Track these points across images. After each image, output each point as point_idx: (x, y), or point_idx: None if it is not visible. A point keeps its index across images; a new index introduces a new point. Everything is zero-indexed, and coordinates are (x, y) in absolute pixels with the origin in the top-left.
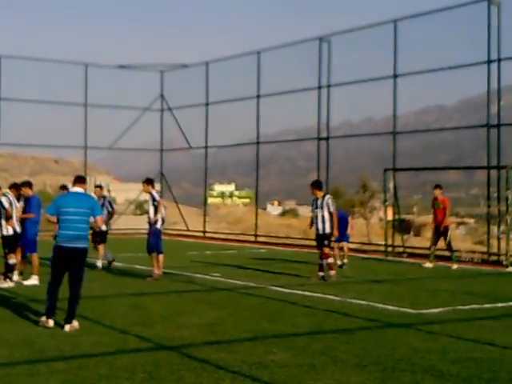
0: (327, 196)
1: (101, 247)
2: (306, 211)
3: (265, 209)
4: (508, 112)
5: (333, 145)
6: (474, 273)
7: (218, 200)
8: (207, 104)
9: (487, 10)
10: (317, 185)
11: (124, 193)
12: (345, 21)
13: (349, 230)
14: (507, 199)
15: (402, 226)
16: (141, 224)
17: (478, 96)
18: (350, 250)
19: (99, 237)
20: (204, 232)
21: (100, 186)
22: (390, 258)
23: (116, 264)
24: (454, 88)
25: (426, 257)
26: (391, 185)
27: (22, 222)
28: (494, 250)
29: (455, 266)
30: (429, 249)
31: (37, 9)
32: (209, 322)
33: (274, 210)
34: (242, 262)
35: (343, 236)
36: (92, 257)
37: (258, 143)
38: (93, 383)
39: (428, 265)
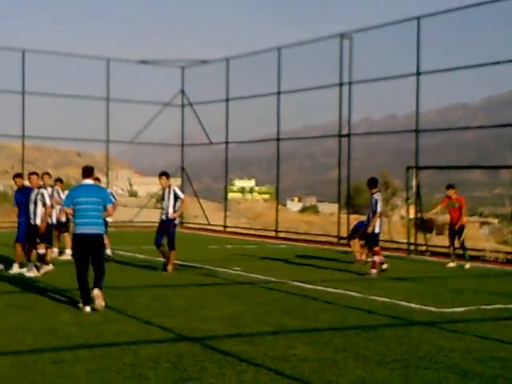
0: (374, 195)
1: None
2: (325, 208)
3: (285, 205)
4: None
5: (354, 142)
6: (498, 272)
7: (238, 195)
8: (227, 100)
9: None
10: (368, 183)
11: (145, 186)
12: (367, 17)
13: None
14: None
15: (424, 225)
16: None
17: (502, 94)
18: None
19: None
20: (225, 226)
21: (98, 179)
22: (412, 256)
23: (138, 256)
24: (478, 86)
25: (448, 256)
26: (414, 183)
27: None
28: None
29: (468, 265)
30: (448, 248)
31: (60, 4)
32: (230, 314)
33: (294, 206)
34: (263, 257)
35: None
36: None
37: (278, 139)
38: (117, 371)
39: (451, 264)
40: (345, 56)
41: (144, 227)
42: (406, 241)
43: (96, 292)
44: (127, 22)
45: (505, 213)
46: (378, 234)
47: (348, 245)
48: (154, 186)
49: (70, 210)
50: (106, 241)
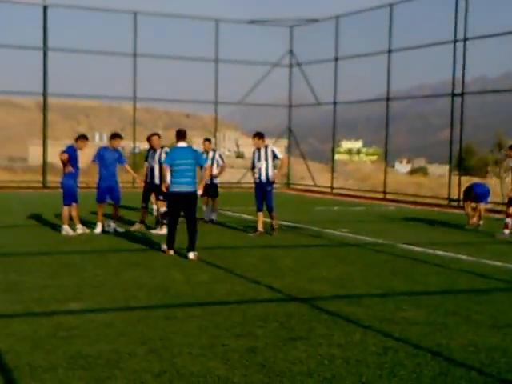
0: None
1: (215, 200)
2: (435, 170)
3: (393, 167)
4: None
5: (467, 101)
6: None
7: (346, 156)
8: (337, 59)
9: None
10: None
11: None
12: None
13: None
14: None
15: None
16: None
17: None
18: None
19: (211, 190)
20: (331, 188)
21: (208, 140)
22: None
23: (245, 217)
24: None
25: None
26: None
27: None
28: None
29: None
30: None
31: None
32: (338, 276)
33: (402, 167)
34: (371, 219)
35: (481, 198)
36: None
37: (388, 99)
38: (227, 329)
39: None
40: (460, 11)
41: (251, 188)
42: None
43: (191, 256)
44: None
45: None
46: None
47: (459, 207)
48: None
49: (167, 169)
50: (216, 204)
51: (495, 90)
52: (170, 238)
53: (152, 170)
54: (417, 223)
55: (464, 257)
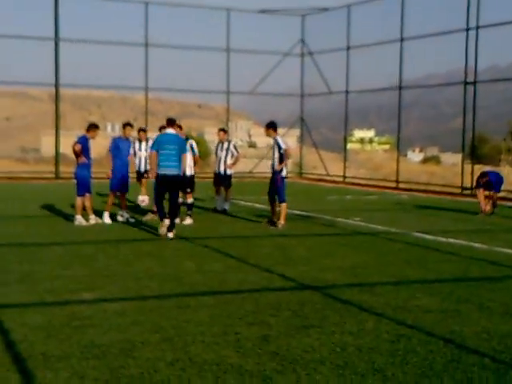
0: None
1: (228, 191)
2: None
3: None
4: None
5: (480, 89)
6: None
7: (358, 146)
8: (348, 48)
9: None
10: None
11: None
12: None
13: None
14: None
15: None
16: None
17: None
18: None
19: (227, 181)
20: (344, 177)
21: (224, 130)
22: None
23: (258, 206)
24: None
25: None
26: None
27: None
28: None
29: None
30: None
31: None
32: (351, 265)
33: (415, 156)
34: (383, 208)
35: (494, 186)
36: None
37: (400, 88)
38: (240, 318)
39: None
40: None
41: (264, 177)
42: None
43: (170, 235)
44: None
45: None
46: None
47: (472, 195)
48: None
49: (154, 154)
50: (229, 194)
51: (507, 78)
52: (161, 212)
53: None
54: (429, 211)
55: (477, 245)
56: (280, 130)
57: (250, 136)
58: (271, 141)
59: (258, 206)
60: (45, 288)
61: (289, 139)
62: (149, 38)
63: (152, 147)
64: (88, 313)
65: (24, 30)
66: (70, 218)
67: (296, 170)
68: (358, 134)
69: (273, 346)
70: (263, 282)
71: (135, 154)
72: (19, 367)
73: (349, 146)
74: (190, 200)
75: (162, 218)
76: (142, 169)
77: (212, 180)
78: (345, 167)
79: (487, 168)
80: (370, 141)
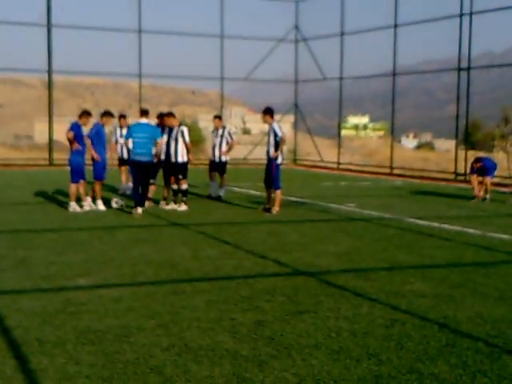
0: None
1: (223, 177)
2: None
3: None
4: None
5: (473, 76)
6: None
7: (352, 132)
8: (342, 34)
9: None
10: None
11: (259, 124)
12: None
13: None
14: None
15: None
16: None
17: None
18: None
19: (222, 167)
20: (338, 163)
21: (219, 117)
22: None
23: (253, 192)
24: None
25: None
26: None
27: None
28: None
29: None
30: None
31: None
32: (345, 250)
33: (409, 142)
34: (377, 194)
35: (488, 172)
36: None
37: (394, 75)
38: (235, 303)
39: None
40: None
41: (258, 164)
42: None
43: (139, 211)
44: None
45: None
46: None
47: (465, 181)
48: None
49: (129, 142)
50: (224, 180)
51: (501, 64)
52: (136, 199)
53: (168, 147)
54: (423, 197)
55: (470, 230)
56: (275, 117)
57: (244, 122)
58: (266, 127)
59: (252, 192)
60: (40, 274)
61: (283, 125)
62: (142, 24)
63: (126, 136)
64: (83, 299)
65: (16, 16)
66: (64, 205)
67: (290, 156)
68: (353, 120)
69: (268, 331)
70: (258, 267)
71: (117, 141)
72: (14, 353)
73: (343, 132)
74: (184, 186)
75: (135, 205)
76: (126, 156)
77: (207, 167)
78: (339, 153)
79: (481, 154)
80: (365, 127)
